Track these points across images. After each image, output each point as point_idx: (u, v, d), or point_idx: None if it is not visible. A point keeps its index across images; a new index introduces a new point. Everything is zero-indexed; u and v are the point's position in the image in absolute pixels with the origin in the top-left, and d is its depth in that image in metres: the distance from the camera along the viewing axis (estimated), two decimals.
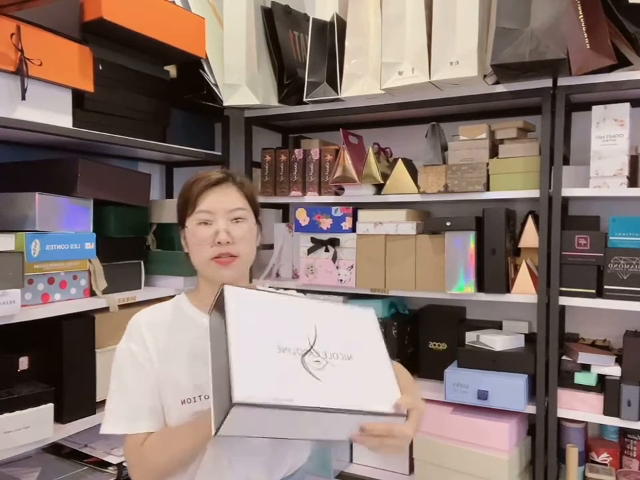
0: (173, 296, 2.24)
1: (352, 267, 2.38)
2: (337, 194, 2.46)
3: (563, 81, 1.99)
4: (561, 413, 2.07)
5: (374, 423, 1.06)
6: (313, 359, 1.09)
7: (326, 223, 2.43)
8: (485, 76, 2.08)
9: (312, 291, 2.42)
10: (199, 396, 1.27)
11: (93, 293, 2.03)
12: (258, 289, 1.21)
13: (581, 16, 1.89)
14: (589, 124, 2.01)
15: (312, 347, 1.11)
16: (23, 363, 1.83)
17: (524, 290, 2.11)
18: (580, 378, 2.06)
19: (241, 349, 1.02)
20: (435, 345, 2.40)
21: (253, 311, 1.11)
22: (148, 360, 1.30)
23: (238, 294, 1.13)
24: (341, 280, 2.40)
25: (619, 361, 2.05)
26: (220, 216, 1.31)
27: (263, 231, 1.47)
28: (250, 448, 1.28)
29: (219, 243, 1.29)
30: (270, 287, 1.57)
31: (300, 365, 1.07)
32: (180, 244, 2.27)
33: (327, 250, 2.43)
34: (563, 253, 2.05)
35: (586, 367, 2.06)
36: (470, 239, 2.15)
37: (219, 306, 1.13)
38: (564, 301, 2.05)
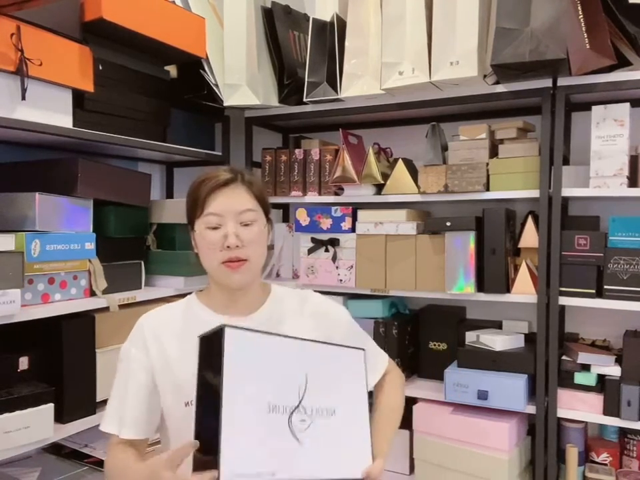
0: (173, 296, 2.29)
1: (352, 267, 2.38)
2: (336, 194, 2.46)
3: (562, 81, 1.99)
4: (561, 412, 2.07)
5: None
6: (299, 417, 1.13)
7: (326, 223, 2.44)
8: (485, 76, 2.08)
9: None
10: None
11: (93, 293, 2.02)
12: (255, 331, 1.16)
13: (581, 16, 1.89)
14: (588, 124, 2.01)
15: (300, 402, 1.14)
16: (23, 362, 1.83)
17: (524, 290, 2.11)
18: (580, 378, 2.06)
19: (232, 412, 1.04)
20: (435, 344, 2.40)
21: (249, 361, 1.10)
22: (144, 367, 1.31)
23: (237, 339, 1.10)
24: (341, 280, 2.40)
25: (618, 361, 2.05)
26: (229, 219, 1.29)
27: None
28: None
29: (228, 247, 1.27)
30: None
31: (286, 427, 1.11)
32: (180, 244, 2.33)
33: (327, 250, 2.43)
34: (563, 253, 2.05)
35: (586, 367, 2.06)
36: (470, 239, 2.15)
37: (214, 343, 1.09)
38: (564, 300, 2.05)
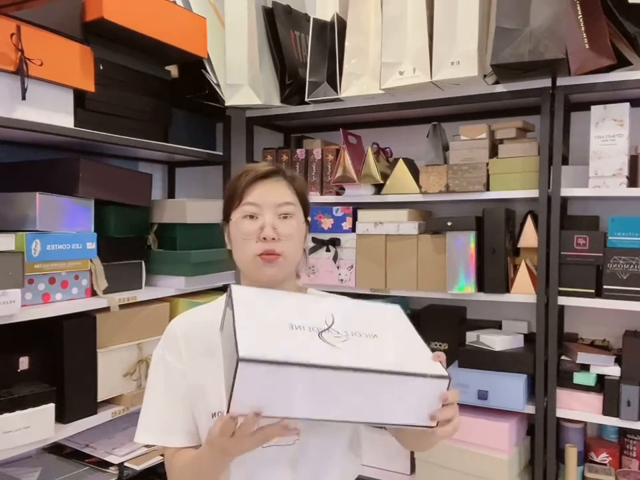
0: (174, 296, 2.29)
1: (352, 266, 2.39)
2: (338, 194, 2.46)
3: (562, 81, 1.99)
4: (560, 412, 2.08)
5: (452, 390, 0.99)
6: (332, 335, 1.01)
7: (327, 222, 2.44)
8: (485, 76, 2.08)
9: None
10: None
11: (94, 293, 2.03)
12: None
13: (580, 16, 1.89)
14: (588, 124, 2.01)
15: (330, 327, 1.03)
16: (23, 362, 1.84)
17: (523, 290, 2.12)
18: (579, 378, 2.06)
19: (248, 321, 0.95)
20: (436, 344, 2.40)
21: (263, 298, 1.06)
22: (181, 372, 1.25)
23: (247, 289, 1.10)
24: (342, 280, 2.40)
25: (618, 360, 2.05)
26: (267, 210, 1.24)
27: None
28: (280, 460, 1.22)
29: (264, 238, 1.22)
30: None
31: (317, 338, 0.98)
32: (181, 244, 2.33)
33: (328, 250, 2.43)
34: (562, 252, 2.05)
35: (585, 367, 2.06)
36: (470, 238, 2.15)
37: (226, 306, 1.07)
38: (563, 300, 2.05)
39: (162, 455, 2.04)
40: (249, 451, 1.02)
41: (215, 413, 1.20)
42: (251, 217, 1.24)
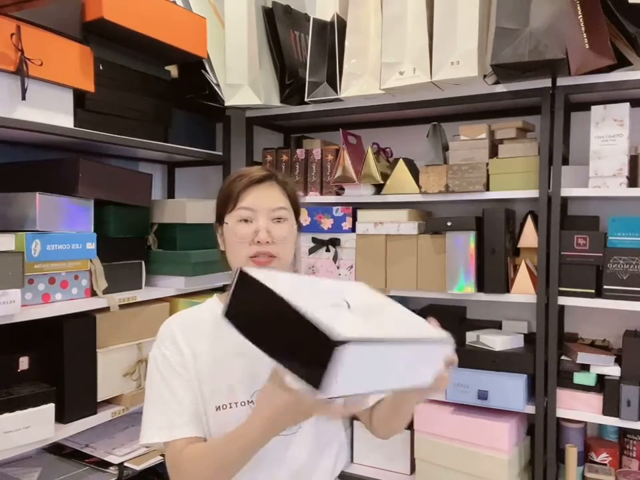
0: (174, 296, 2.29)
1: (352, 266, 2.39)
2: (338, 194, 2.46)
3: (562, 81, 1.99)
4: (560, 412, 2.08)
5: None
6: (360, 312, 1.03)
7: (327, 223, 2.44)
8: (485, 76, 2.08)
9: None
10: (234, 402, 1.23)
11: (94, 293, 2.03)
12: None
13: (580, 16, 1.88)
14: (588, 124, 2.01)
15: (349, 305, 1.05)
16: (23, 362, 1.84)
17: (523, 290, 2.12)
18: (579, 378, 2.06)
19: (304, 302, 0.91)
20: None
21: (284, 280, 1.06)
22: (182, 365, 1.25)
23: (259, 270, 1.11)
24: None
25: (618, 360, 2.05)
26: (261, 214, 1.28)
27: None
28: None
29: (258, 242, 1.26)
30: None
31: (357, 316, 1.01)
32: (181, 244, 2.32)
33: (327, 250, 2.43)
34: (562, 252, 2.05)
35: (585, 367, 2.06)
36: (470, 238, 2.15)
37: (240, 288, 1.05)
38: (563, 300, 2.05)
39: (162, 455, 2.04)
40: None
41: (219, 407, 1.23)
42: (246, 220, 1.29)
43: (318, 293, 1.09)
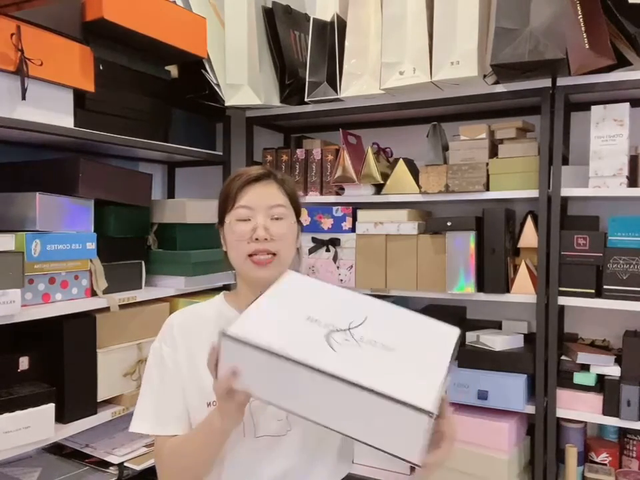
0: (174, 296, 2.29)
1: (352, 266, 2.39)
2: (338, 194, 2.46)
3: (562, 81, 1.99)
4: (560, 412, 2.08)
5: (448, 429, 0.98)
6: (342, 336, 1.00)
7: (327, 222, 2.44)
8: (484, 76, 2.08)
9: None
10: None
11: (94, 293, 2.03)
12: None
13: (580, 16, 1.88)
14: (588, 124, 2.01)
15: (349, 329, 1.03)
16: (23, 362, 1.84)
17: (523, 290, 2.12)
18: (579, 378, 2.06)
19: (263, 305, 1.03)
20: None
21: (300, 288, 1.11)
22: (176, 362, 1.29)
23: (296, 277, 1.16)
24: (341, 280, 2.40)
25: (618, 361, 2.05)
26: (259, 212, 1.28)
27: None
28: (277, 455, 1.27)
29: (256, 239, 1.26)
30: None
31: (322, 336, 0.99)
32: (181, 244, 2.32)
33: (327, 250, 2.43)
34: (562, 252, 2.05)
35: (585, 367, 2.06)
36: (470, 238, 2.15)
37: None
38: (563, 300, 2.05)
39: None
40: (237, 420, 1.12)
41: (210, 403, 1.25)
42: (244, 219, 1.29)
43: (332, 307, 1.11)
